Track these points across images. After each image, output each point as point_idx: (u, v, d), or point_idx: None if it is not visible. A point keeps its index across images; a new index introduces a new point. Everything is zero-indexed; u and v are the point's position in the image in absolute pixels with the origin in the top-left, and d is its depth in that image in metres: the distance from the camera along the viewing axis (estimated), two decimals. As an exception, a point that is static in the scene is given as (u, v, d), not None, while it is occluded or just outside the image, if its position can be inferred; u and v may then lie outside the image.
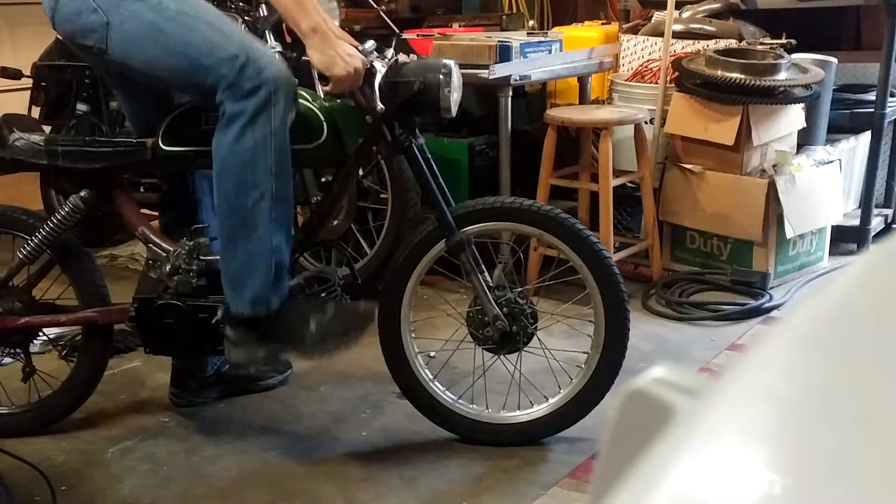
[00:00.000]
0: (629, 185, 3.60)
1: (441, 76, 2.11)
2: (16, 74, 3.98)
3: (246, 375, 2.65)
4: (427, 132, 3.35)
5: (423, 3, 4.92)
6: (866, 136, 3.71)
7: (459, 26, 4.18)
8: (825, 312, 0.42)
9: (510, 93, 3.29)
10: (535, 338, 2.28)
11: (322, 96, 2.10)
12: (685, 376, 0.44)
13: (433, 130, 3.53)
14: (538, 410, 2.32)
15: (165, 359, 2.56)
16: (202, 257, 2.23)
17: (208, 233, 2.33)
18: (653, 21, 3.97)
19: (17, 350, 2.42)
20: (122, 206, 2.34)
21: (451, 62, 2.15)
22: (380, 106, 2.06)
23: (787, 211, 3.27)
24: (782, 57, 3.35)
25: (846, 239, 3.72)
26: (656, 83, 3.59)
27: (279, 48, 2.99)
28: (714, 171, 3.40)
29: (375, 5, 4.01)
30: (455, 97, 2.16)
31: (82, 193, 2.30)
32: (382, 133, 2.17)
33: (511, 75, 3.27)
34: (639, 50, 3.88)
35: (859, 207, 3.76)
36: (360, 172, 2.56)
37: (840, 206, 3.57)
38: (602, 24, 4.51)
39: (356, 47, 2.08)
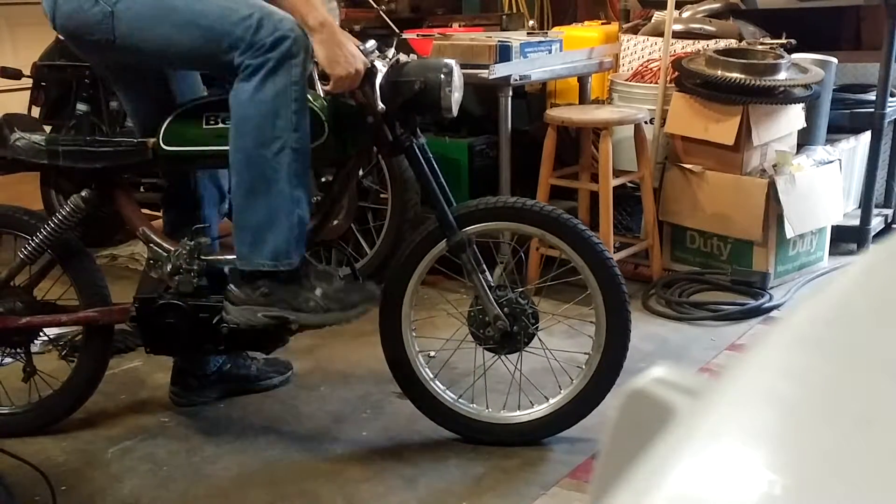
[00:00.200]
0: (629, 185, 3.60)
1: (442, 76, 2.11)
2: (16, 74, 3.98)
3: (247, 375, 2.65)
4: (427, 132, 3.35)
5: (423, 3, 4.92)
6: (866, 136, 3.71)
7: (459, 26, 4.18)
8: (825, 312, 0.42)
9: (510, 93, 3.29)
10: (535, 338, 2.28)
11: (322, 95, 2.10)
12: (685, 376, 0.44)
13: (433, 130, 3.53)
14: (539, 410, 2.32)
15: (166, 359, 2.56)
16: (203, 257, 2.23)
17: (209, 233, 2.33)
18: (653, 21, 3.97)
19: (18, 350, 2.42)
20: (123, 206, 2.34)
21: (452, 62, 2.15)
22: (381, 105, 2.06)
23: (787, 211, 3.27)
24: (782, 57, 3.35)
25: (846, 239, 3.72)
26: (656, 83, 3.59)
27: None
28: (714, 171, 3.40)
29: (375, 5, 4.01)
30: (456, 97, 2.16)
31: (83, 193, 2.30)
32: (383, 133, 2.17)
33: (511, 75, 3.27)
34: (639, 50, 3.88)
35: (859, 207, 3.76)
36: (360, 172, 2.56)
37: (840, 206, 3.57)
38: (602, 24, 4.51)
39: (357, 47, 2.08)
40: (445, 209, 2.19)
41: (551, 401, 2.31)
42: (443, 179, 2.23)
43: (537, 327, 2.27)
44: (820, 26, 3.91)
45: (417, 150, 2.19)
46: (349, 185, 2.35)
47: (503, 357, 2.31)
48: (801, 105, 3.44)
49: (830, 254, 3.58)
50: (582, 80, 3.89)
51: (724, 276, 3.40)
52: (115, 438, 2.41)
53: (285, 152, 2.02)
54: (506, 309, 2.22)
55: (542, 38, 3.68)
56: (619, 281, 2.21)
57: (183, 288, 2.22)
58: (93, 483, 2.21)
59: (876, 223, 3.75)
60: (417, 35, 3.82)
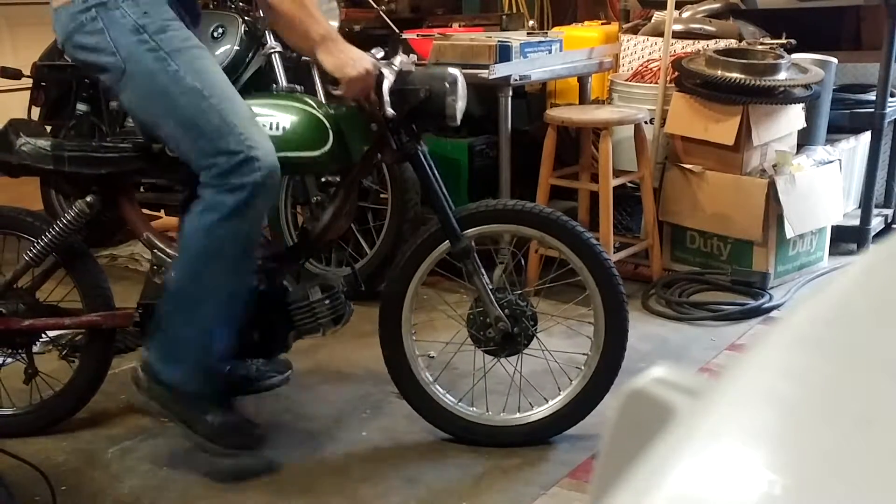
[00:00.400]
0: (629, 185, 3.60)
1: (447, 85, 2.13)
2: (16, 74, 3.98)
3: (246, 375, 2.64)
4: (427, 132, 3.35)
5: (423, 3, 4.93)
6: (866, 136, 3.71)
7: (459, 26, 4.18)
8: (825, 312, 0.42)
9: (510, 93, 3.29)
10: (534, 339, 2.28)
11: (333, 101, 2.10)
12: (685, 376, 0.44)
13: (433, 130, 3.52)
14: (538, 412, 2.31)
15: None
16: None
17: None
18: (653, 21, 3.97)
19: (20, 351, 2.42)
20: (128, 211, 2.34)
21: (456, 71, 2.17)
22: (391, 112, 2.06)
23: (787, 211, 3.27)
24: (782, 57, 3.35)
25: (846, 239, 3.72)
26: (656, 83, 3.59)
27: (279, 48, 2.99)
28: (714, 171, 3.41)
29: (375, 5, 4.01)
30: (460, 105, 2.17)
31: (88, 198, 2.30)
32: (388, 140, 2.18)
33: (511, 75, 3.27)
34: (639, 50, 3.88)
35: (859, 207, 3.76)
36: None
37: (840, 206, 3.57)
38: (602, 24, 4.52)
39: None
40: (450, 216, 2.20)
41: (551, 402, 2.31)
42: (442, 184, 2.24)
43: (537, 329, 2.27)
44: (820, 26, 3.91)
45: (422, 158, 2.20)
46: (352, 194, 2.35)
47: (503, 359, 2.31)
48: (801, 105, 3.44)
49: (830, 254, 3.58)
50: (582, 81, 3.89)
51: (724, 276, 3.40)
52: (115, 438, 2.41)
53: (219, 291, 2.07)
54: (506, 311, 2.22)
55: (542, 38, 3.68)
56: (617, 281, 2.22)
57: None
58: (93, 483, 2.21)
59: (876, 223, 3.75)
60: (417, 35, 3.82)
